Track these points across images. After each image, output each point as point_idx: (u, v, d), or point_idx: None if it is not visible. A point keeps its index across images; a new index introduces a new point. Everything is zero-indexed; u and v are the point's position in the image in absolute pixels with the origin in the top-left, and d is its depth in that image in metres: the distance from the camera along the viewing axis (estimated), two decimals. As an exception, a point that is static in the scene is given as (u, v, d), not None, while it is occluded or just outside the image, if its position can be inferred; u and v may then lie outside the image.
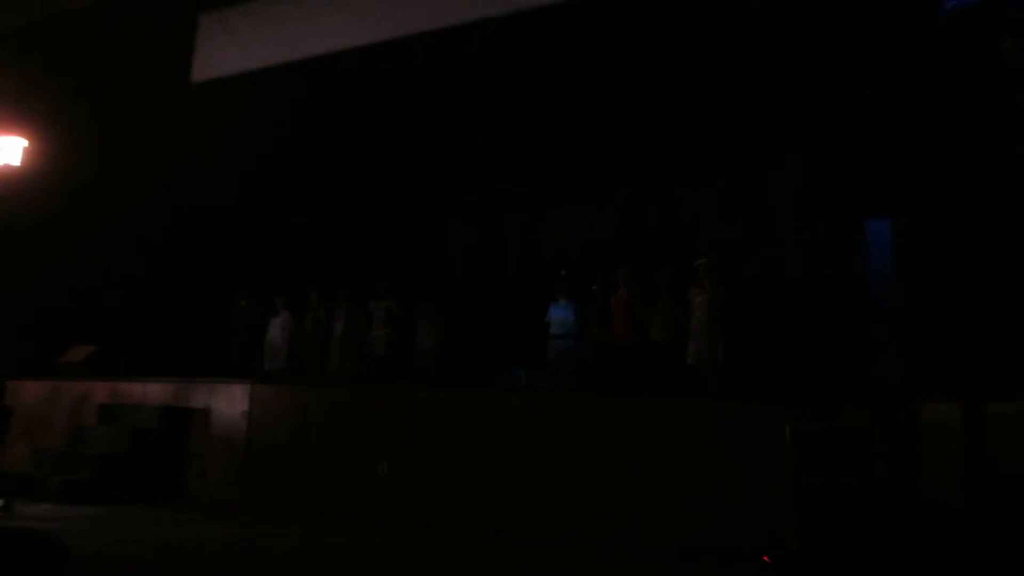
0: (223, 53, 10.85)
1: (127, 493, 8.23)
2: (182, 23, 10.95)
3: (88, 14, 10.56)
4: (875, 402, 6.00)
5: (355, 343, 9.81)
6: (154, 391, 9.19)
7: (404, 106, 10.41)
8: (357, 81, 10.40)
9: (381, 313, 9.71)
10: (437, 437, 7.51)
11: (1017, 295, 6.15)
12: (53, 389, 9.93)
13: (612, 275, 8.59)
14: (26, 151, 9.24)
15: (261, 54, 10.45)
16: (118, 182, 11.23)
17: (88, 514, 7.29)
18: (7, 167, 9.20)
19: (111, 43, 11.07)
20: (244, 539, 6.57)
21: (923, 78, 7.40)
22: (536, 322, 8.72)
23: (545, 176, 10.20)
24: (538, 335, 8.68)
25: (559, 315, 8.64)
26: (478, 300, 10.00)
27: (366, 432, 7.81)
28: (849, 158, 8.31)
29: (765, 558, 5.75)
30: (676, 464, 6.56)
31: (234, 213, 11.62)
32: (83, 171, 10.76)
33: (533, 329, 8.72)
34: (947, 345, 6.70)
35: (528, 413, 7.23)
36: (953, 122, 7.12)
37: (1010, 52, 6.19)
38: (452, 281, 10.39)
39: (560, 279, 8.77)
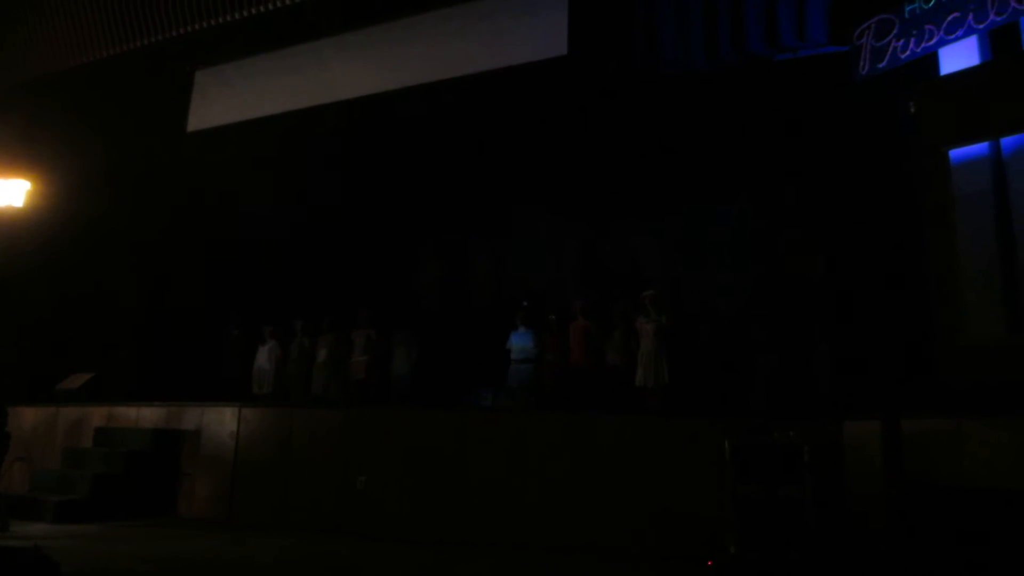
0: (216, 105, 10.78)
1: (120, 511, 7.93)
2: (179, 78, 10.87)
3: (91, 69, 10.42)
4: (803, 420, 6.04)
5: (337, 368, 9.68)
6: (147, 414, 8.92)
7: (383, 153, 10.40)
8: (340, 131, 10.39)
9: (361, 341, 9.59)
10: (410, 453, 7.39)
11: (925, 331, 6.27)
12: (52, 414, 9.59)
13: (570, 306, 8.60)
14: (29, 193, 8.98)
15: (251, 106, 10.40)
16: (117, 223, 11.01)
17: (82, 532, 7.01)
18: (10, 208, 8.93)
19: (113, 96, 10.92)
20: (231, 552, 6.35)
21: (839, 143, 7.59)
22: (500, 348, 8.67)
23: (508, 217, 10.23)
24: (501, 360, 8.62)
25: (519, 342, 8.61)
26: (448, 328, 9.94)
27: (345, 449, 7.66)
28: (778, 207, 8.47)
29: (708, 563, 5.72)
30: (626, 475, 6.52)
31: (225, 251, 11.43)
32: (84, 212, 10.52)
33: (497, 354, 8.66)
34: (866, 371, 6.80)
35: (492, 431, 7.15)
36: (867, 173, 7.30)
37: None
38: (425, 311, 10.31)
39: (521, 309, 8.75)
